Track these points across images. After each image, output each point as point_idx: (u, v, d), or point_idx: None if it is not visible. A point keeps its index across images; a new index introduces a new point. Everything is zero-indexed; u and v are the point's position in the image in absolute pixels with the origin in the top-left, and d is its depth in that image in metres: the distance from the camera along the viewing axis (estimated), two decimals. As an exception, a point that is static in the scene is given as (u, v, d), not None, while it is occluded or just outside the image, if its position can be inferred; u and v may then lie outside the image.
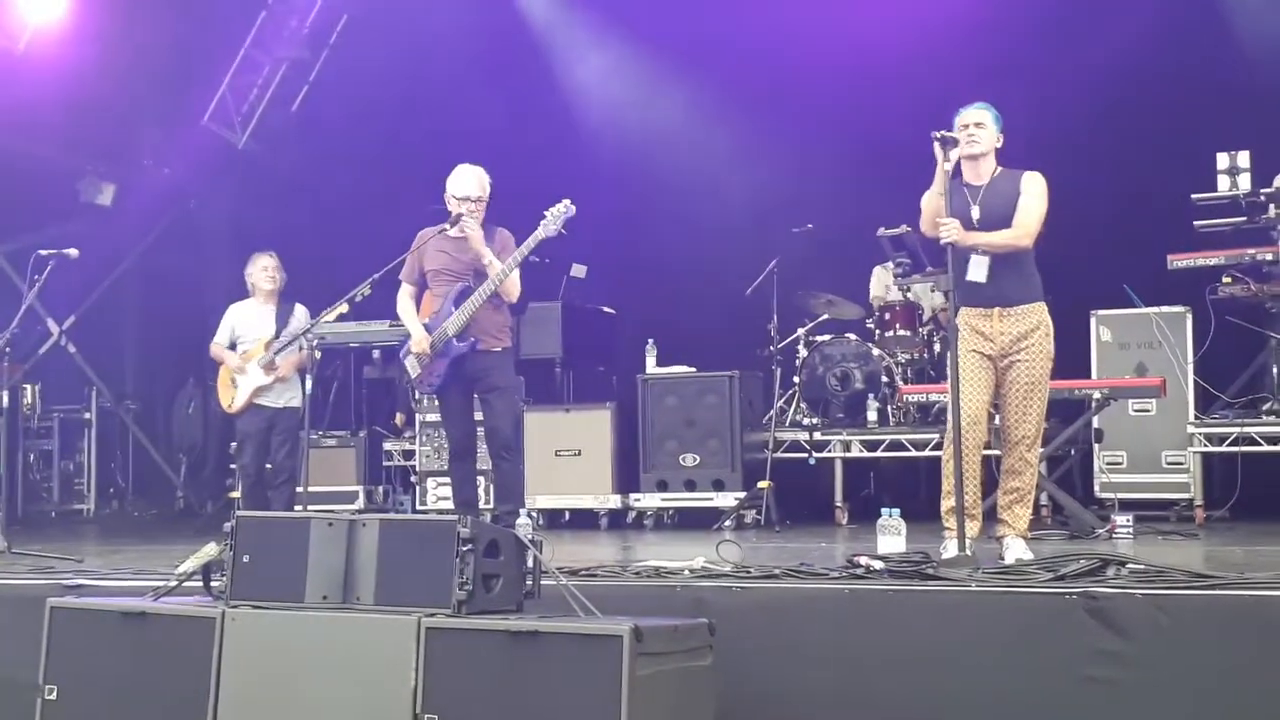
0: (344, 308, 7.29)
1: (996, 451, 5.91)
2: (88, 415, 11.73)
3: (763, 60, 10.23)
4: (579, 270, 9.93)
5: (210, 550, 4.67)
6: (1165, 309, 8.35)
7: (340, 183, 11.32)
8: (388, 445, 10.19)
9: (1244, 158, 8.15)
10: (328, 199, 11.34)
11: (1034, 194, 5.64)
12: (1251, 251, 8.08)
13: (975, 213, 5.61)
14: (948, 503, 5.57)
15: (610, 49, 10.89)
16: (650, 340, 9.42)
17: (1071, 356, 8.33)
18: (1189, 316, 8.29)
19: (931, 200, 5.64)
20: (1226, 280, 8.09)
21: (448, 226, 6.92)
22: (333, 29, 11.73)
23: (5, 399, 8.34)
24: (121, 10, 10.36)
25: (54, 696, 4.62)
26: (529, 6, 11.13)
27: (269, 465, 8.07)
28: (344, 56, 11.72)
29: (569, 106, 10.75)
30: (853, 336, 9.36)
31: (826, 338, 9.40)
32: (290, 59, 11.71)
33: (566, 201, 6.80)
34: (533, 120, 10.74)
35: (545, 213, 6.80)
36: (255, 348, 8.06)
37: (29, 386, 11.39)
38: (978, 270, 5.56)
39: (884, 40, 9.77)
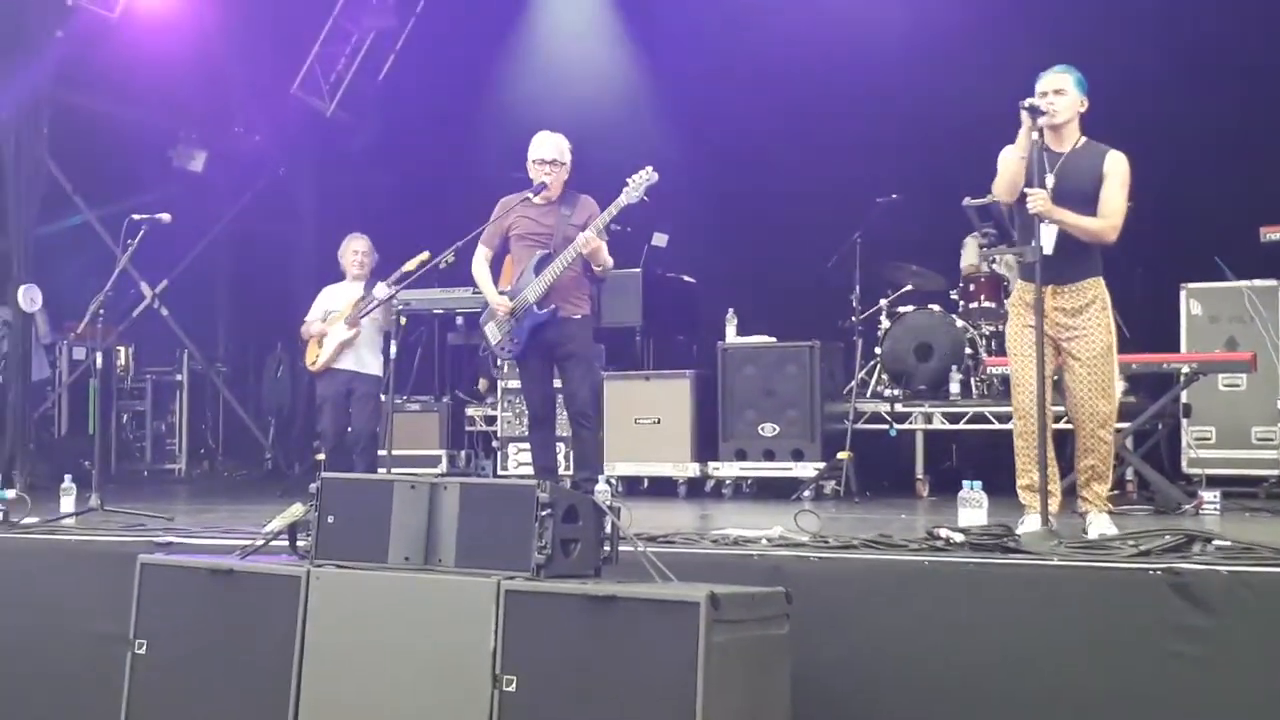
0: (425, 255, 7.39)
1: (1069, 425, 5.82)
2: (179, 377, 11.96)
3: (843, 29, 10.13)
4: (660, 239, 9.92)
5: (296, 511, 4.76)
6: (1257, 282, 8.18)
7: (425, 151, 11.41)
8: (470, 411, 10.29)
9: (1340, 127, 7.96)
10: (413, 168, 11.44)
11: (1118, 182, 5.47)
12: (1346, 223, 7.90)
13: (1051, 181, 5.44)
14: (1024, 479, 5.52)
15: (695, 17, 10.83)
16: (731, 309, 9.40)
17: (1161, 330, 8.25)
18: (1280, 290, 8.13)
19: (1012, 163, 5.51)
20: (1318, 253, 7.92)
21: (530, 194, 6.96)
22: (419, -1, 11.81)
23: (100, 360, 8.56)
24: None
25: (143, 651, 4.73)
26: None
27: (349, 429, 8.18)
28: (430, 25, 11.78)
29: (652, 74, 10.72)
30: (936, 308, 9.27)
31: (909, 309, 9.32)
32: (377, 28, 11.80)
33: (649, 168, 6.81)
34: (616, 88, 10.74)
35: (628, 180, 6.81)
36: (343, 310, 8.17)
37: (123, 349, 11.65)
38: (1046, 240, 5.43)
39: (967, 6, 9.65)
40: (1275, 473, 8.00)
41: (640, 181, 6.78)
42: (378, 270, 8.31)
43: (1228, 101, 8.89)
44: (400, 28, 11.90)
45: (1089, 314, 5.51)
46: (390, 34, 11.89)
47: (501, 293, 7.06)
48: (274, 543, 4.85)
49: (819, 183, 10.24)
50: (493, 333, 7.12)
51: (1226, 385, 8.13)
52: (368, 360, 8.15)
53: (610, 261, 6.95)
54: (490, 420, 9.98)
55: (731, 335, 9.27)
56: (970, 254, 9.49)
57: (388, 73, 12.07)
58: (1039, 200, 5.36)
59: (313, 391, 8.92)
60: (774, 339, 9.11)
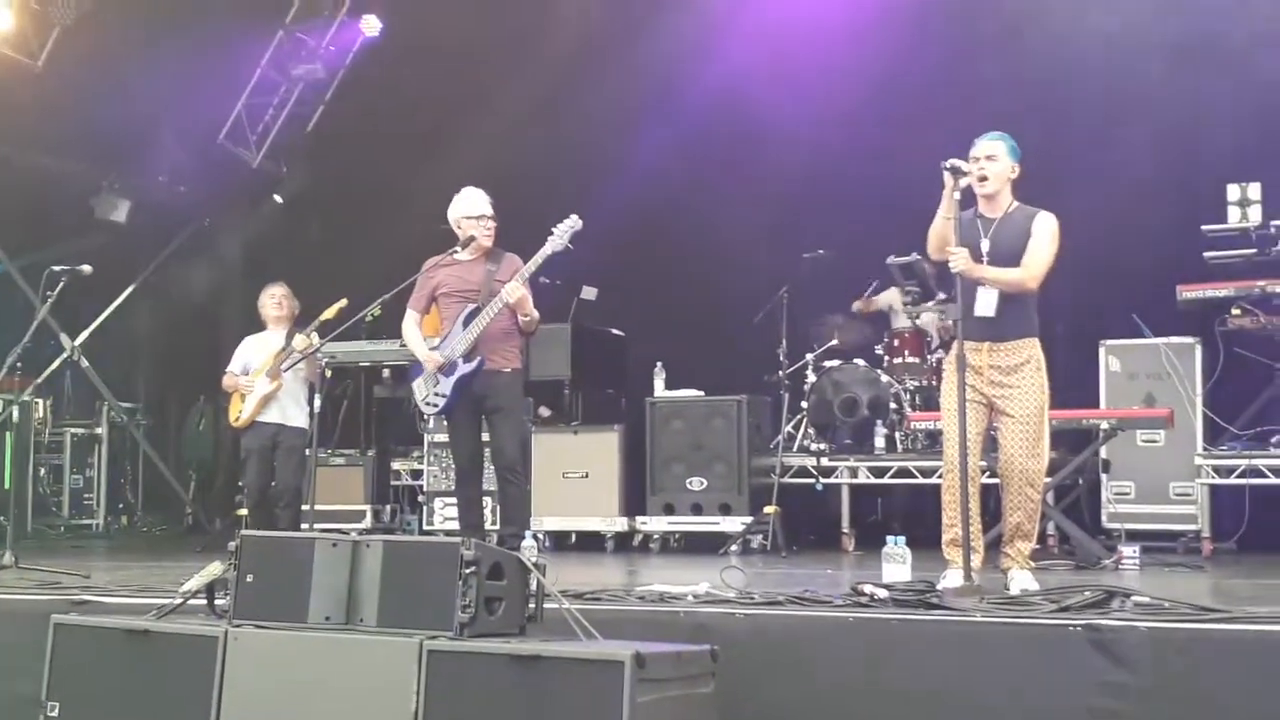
0: (343, 302, 7.38)
1: (996, 480, 5.89)
2: (99, 430, 11.76)
3: (775, 89, 10.25)
4: (589, 292, 9.95)
5: (214, 569, 4.68)
6: (1174, 340, 8.35)
7: (352, 202, 11.38)
8: (396, 465, 10.20)
9: (1255, 189, 8.17)
10: (340, 218, 11.40)
11: (1044, 237, 5.60)
12: (1262, 284, 8.09)
13: (985, 245, 5.59)
14: (949, 534, 5.57)
15: (619, 73, 10.91)
16: (659, 363, 9.44)
17: (1080, 386, 8.37)
18: (1198, 348, 8.29)
19: (938, 226, 5.63)
20: (1236, 312, 8.10)
21: (457, 249, 6.97)
22: (349, 50, 11.80)
23: (16, 413, 8.40)
24: (139, 27, 10.42)
25: (55, 714, 4.63)
26: (544, 26, 11.15)
27: (274, 484, 8.08)
28: (360, 77, 11.79)
29: (580, 128, 10.76)
30: (861, 363, 9.37)
31: (835, 364, 9.41)
32: (306, 79, 11.78)
33: (574, 216, 6.84)
34: (545, 143, 10.77)
35: (553, 228, 6.84)
36: (265, 362, 8.09)
37: (40, 401, 11.43)
38: (985, 304, 5.55)
39: (894, 67, 9.81)
40: (1193, 528, 8.13)
41: (565, 229, 6.82)
42: (299, 319, 8.25)
43: (1147, 161, 9.09)
44: (329, 79, 11.89)
45: (1024, 373, 5.59)
46: (319, 85, 11.88)
47: (431, 348, 7.04)
48: (192, 602, 4.77)
49: (746, 237, 10.32)
50: (420, 389, 7.08)
51: (1145, 441, 8.26)
52: (292, 413, 8.06)
53: (536, 313, 6.96)
54: (416, 474, 9.90)
55: (660, 389, 9.30)
56: (886, 297, 9.63)
57: (315, 123, 12.04)
58: (959, 259, 5.46)
59: (235, 445, 8.82)
60: (702, 393, 9.15)
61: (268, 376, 8.00)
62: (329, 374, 8.18)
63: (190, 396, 12.03)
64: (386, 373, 10.26)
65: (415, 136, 11.11)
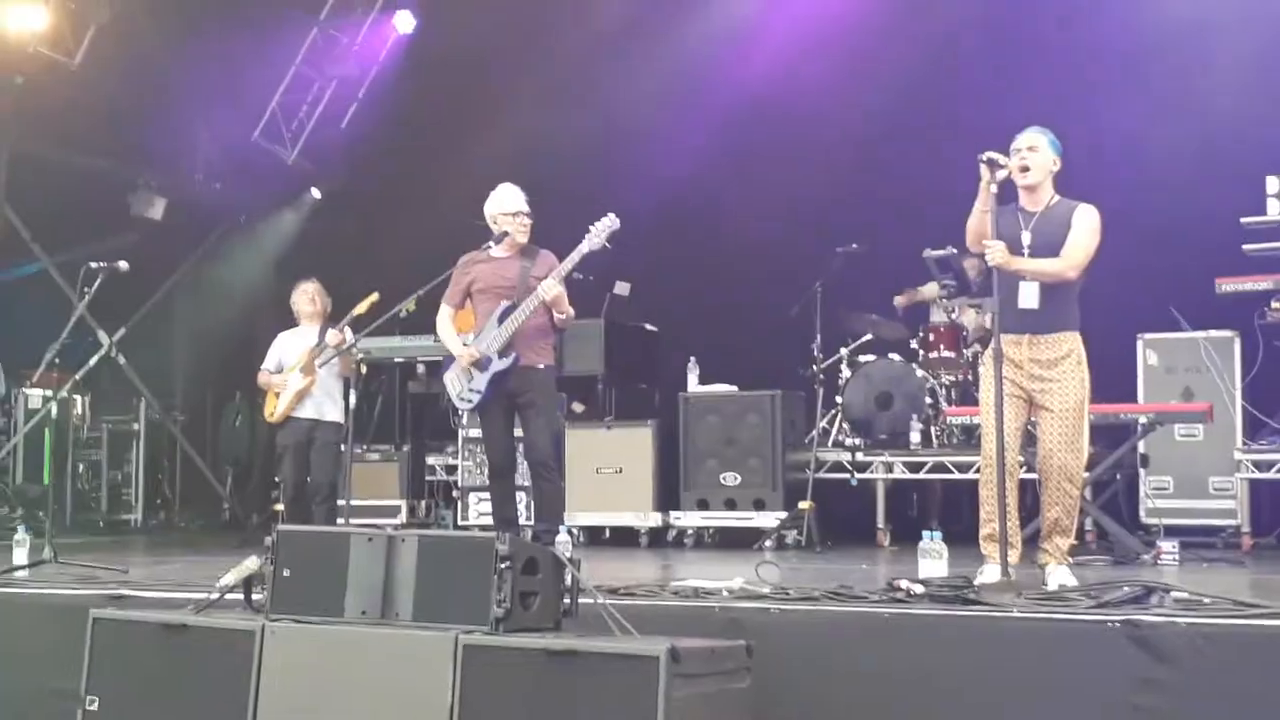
0: (374, 296, 7.40)
1: (1034, 475, 5.85)
2: (136, 426, 11.83)
3: (809, 82, 10.21)
4: (622, 288, 9.93)
5: (251, 564, 4.70)
6: (1213, 333, 8.27)
7: (387, 199, 11.41)
8: (430, 460, 10.23)
9: (1294, 182, 8.07)
10: (373, 214, 11.43)
11: (1085, 228, 5.56)
12: (1302, 276, 8.00)
13: (1026, 238, 5.56)
14: (986, 529, 5.53)
15: (652, 67, 10.89)
16: (692, 358, 9.42)
17: (1118, 380, 8.29)
18: (1237, 341, 8.21)
19: (975, 219, 5.60)
20: (1276, 305, 8.01)
21: (492, 245, 6.98)
22: (383, 47, 11.84)
23: (55, 409, 8.46)
24: (174, 25, 10.49)
25: (95, 707, 4.65)
26: (576, 19, 11.16)
27: (309, 479, 8.11)
28: (394, 73, 11.82)
29: (612, 124, 10.75)
30: (896, 357, 9.31)
31: (870, 358, 9.36)
32: (340, 76, 11.82)
33: (611, 215, 6.83)
34: (577, 138, 10.77)
35: (590, 227, 6.83)
36: (299, 359, 8.12)
37: (79, 397, 11.51)
38: (1029, 297, 5.50)
39: (932, 61, 9.76)
40: (1232, 523, 8.06)
41: (602, 229, 6.81)
42: (333, 315, 8.28)
43: (1184, 153, 9.01)
44: (362, 77, 11.92)
45: (1064, 367, 5.55)
46: (352, 82, 11.91)
47: (464, 343, 7.04)
48: (229, 596, 4.79)
49: (780, 231, 10.29)
50: (453, 382, 7.09)
51: (1183, 436, 8.19)
52: (327, 408, 8.09)
53: (571, 311, 6.96)
54: (451, 469, 9.93)
55: (693, 384, 9.28)
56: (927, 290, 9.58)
57: (350, 120, 12.07)
58: (996, 251, 5.43)
59: (271, 440, 8.86)
60: (735, 388, 9.13)
61: (302, 372, 8.04)
62: (363, 369, 8.19)
63: (226, 392, 12.09)
64: (421, 368, 10.30)
65: (448, 132, 11.13)
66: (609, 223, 6.82)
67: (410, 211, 11.15)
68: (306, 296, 8.31)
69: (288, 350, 8.26)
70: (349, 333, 7.92)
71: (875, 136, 10.04)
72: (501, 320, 6.87)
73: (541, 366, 6.95)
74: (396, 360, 10.18)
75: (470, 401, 7.06)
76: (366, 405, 10.00)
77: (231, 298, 11.88)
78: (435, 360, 9.86)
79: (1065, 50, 9.29)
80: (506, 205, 7.00)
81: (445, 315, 7.15)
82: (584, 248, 6.81)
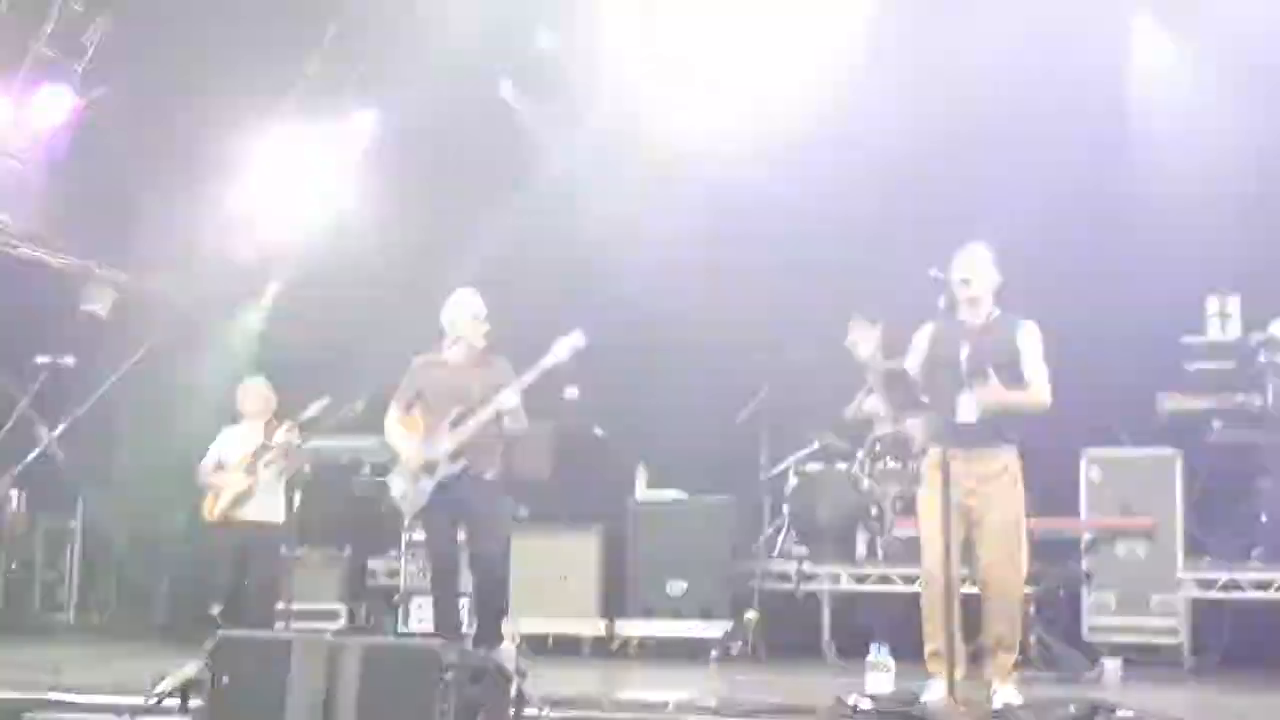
0: (325, 400, 7.35)
1: (976, 590, 5.86)
2: (73, 524, 11.61)
3: (758, 187, 10.35)
4: (571, 392, 9.93)
5: (189, 670, 4.61)
6: (1155, 450, 8.35)
7: (338, 300, 11.38)
8: (372, 563, 10.10)
9: (1234, 303, 8.24)
10: (325, 315, 11.39)
11: (1038, 351, 5.68)
12: (1241, 396, 8.13)
13: (966, 351, 5.63)
14: (930, 645, 5.52)
15: (605, 174, 11.01)
16: (641, 463, 9.40)
17: (1062, 495, 8.36)
18: (1179, 459, 8.29)
19: (923, 344, 5.70)
20: (1217, 424, 8.12)
21: (448, 349, 6.96)
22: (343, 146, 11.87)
23: (-10, 505, 8.31)
24: (126, 119, 10.47)
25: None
26: (522, 130, 11.30)
27: (247, 581, 7.98)
28: (352, 173, 11.84)
29: (563, 227, 10.84)
30: (844, 467, 9.34)
31: (818, 467, 9.38)
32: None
33: (578, 332, 6.84)
34: (529, 245, 10.83)
35: (555, 341, 6.83)
36: (241, 459, 8.04)
37: (15, 492, 11.29)
38: (967, 411, 5.56)
39: (879, 178, 9.93)
40: (1175, 641, 8.08)
41: (567, 344, 6.83)
42: (278, 413, 8.22)
43: (1132, 271, 9.18)
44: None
45: (1001, 482, 5.60)
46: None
47: (413, 446, 6.99)
48: (165, 702, 4.68)
49: (731, 338, 10.35)
50: (399, 485, 7.03)
51: (1126, 552, 8.23)
52: (268, 510, 8.01)
53: (526, 422, 6.94)
54: (393, 573, 9.80)
55: (641, 490, 9.27)
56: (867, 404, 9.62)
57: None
58: (990, 392, 5.46)
59: (211, 540, 8.71)
60: (684, 494, 9.12)
61: (244, 472, 7.96)
62: (307, 469, 8.12)
63: (167, 490, 11.90)
64: (366, 469, 10.19)
65: (405, 234, 11.16)
66: (575, 340, 6.83)
67: (364, 310, 11.12)
68: (253, 394, 8.26)
69: (230, 448, 8.18)
70: (295, 433, 7.86)
71: (823, 247, 10.16)
72: (454, 426, 6.84)
73: (489, 476, 6.91)
74: (342, 460, 10.08)
75: (416, 505, 7.00)
76: (308, 506, 9.87)
77: (177, 393, 11.74)
78: (381, 461, 9.78)
79: (1014, 166, 9.48)
80: (464, 311, 6.99)
81: (394, 416, 7.10)
82: (547, 362, 6.82)
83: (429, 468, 6.85)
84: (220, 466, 8.15)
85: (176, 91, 10.23)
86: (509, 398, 6.73)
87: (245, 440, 8.16)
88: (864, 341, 9.26)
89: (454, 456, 6.81)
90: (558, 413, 9.78)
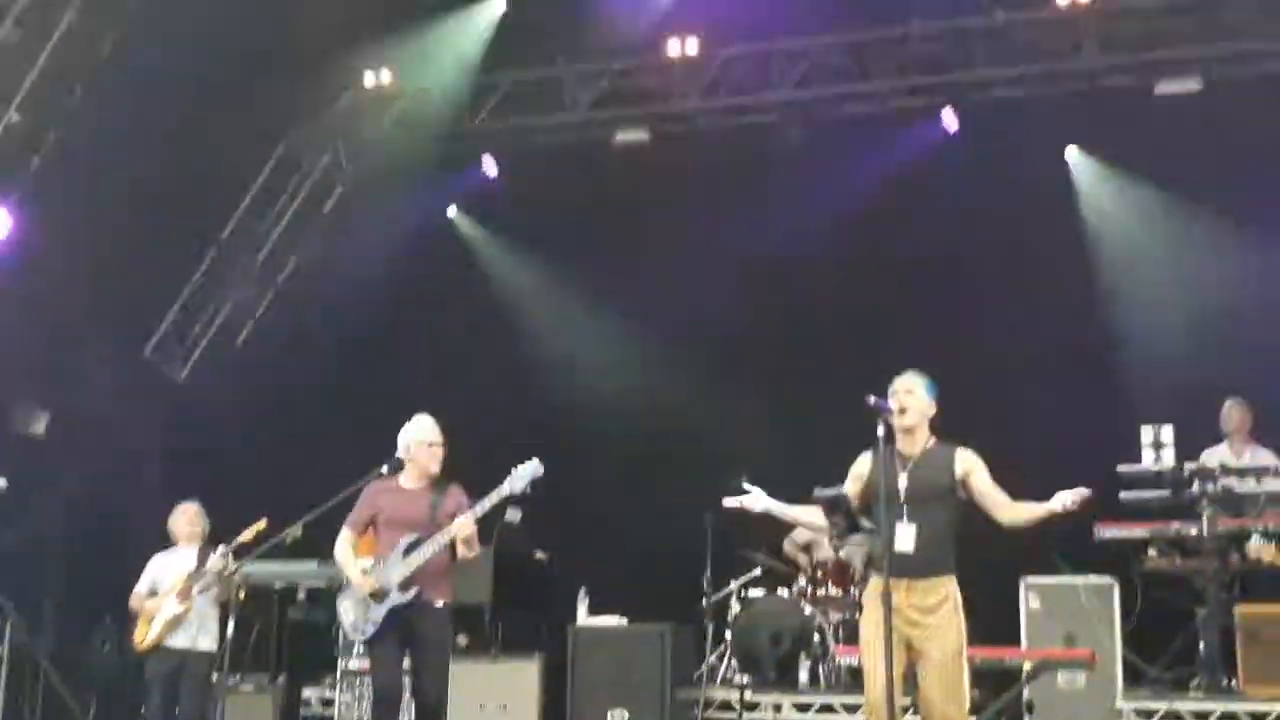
0: (261, 525, 7.26)
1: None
2: (1, 648, 11.30)
3: (703, 311, 10.47)
4: (513, 515, 9.87)
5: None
6: (1094, 579, 8.38)
7: (278, 423, 11.32)
8: (307, 692, 9.88)
9: (1167, 432, 8.35)
10: (263, 436, 11.31)
11: (985, 473, 5.72)
12: (1176, 525, 8.20)
13: (903, 481, 5.67)
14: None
15: (551, 295, 11.11)
16: (583, 588, 9.33)
17: (1002, 624, 8.36)
18: (1116, 588, 8.32)
19: (862, 472, 5.74)
20: (1152, 553, 8.19)
21: (401, 474, 6.95)
22: (281, 269, 11.92)
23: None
24: (63, 239, 10.44)
25: None
26: (468, 254, 11.42)
27: (178, 711, 7.79)
28: (291, 296, 11.88)
29: (511, 356, 10.89)
30: (786, 594, 9.31)
31: (760, 593, 9.35)
32: (237, 297, 11.84)
33: (535, 461, 6.80)
34: (470, 367, 10.86)
35: (513, 469, 6.81)
36: (174, 584, 7.89)
37: (-61, 617, 11.00)
38: (904, 539, 5.59)
39: (821, 297, 10.08)
40: (1118, 770, 8.05)
41: (525, 474, 6.78)
42: (212, 537, 8.10)
43: (1067, 401, 9.31)
44: (260, 297, 11.95)
45: (941, 613, 5.59)
46: (249, 303, 11.93)
47: (364, 571, 6.92)
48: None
49: (673, 463, 10.38)
50: (349, 611, 6.93)
51: (1066, 682, 8.21)
52: (201, 638, 7.84)
53: (479, 549, 6.90)
54: (328, 703, 9.59)
55: (583, 615, 9.18)
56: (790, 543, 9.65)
57: (244, 341, 12.04)
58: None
59: (140, 668, 8.51)
60: (625, 620, 9.04)
61: (177, 598, 7.81)
62: (242, 595, 7.98)
63: (96, 617, 11.64)
64: (302, 595, 10.04)
65: (344, 353, 11.15)
66: (533, 468, 6.78)
67: (301, 432, 11.06)
68: (186, 518, 8.15)
69: (163, 573, 8.04)
70: (230, 558, 7.73)
71: (767, 372, 10.26)
72: (406, 553, 6.77)
73: (439, 604, 6.84)
74: (277, 586, 9.93)
75: (364, 633, 6.89)
76: (242, 633, 9.67)
77: (109, 516, 11.55)
78: (318, 587, 9.65)
79: (944, 297, 9.67)
80: (421, 435, 6.97)
81: (346, 540, 7.01)
82: (505, 489, 6.77)
83: (380, 595, 6.76)
84: (153, 592, 7.99)
85: (112, 217, 10.25)
86: (463, 526, 6.68)
87: (179, 565, 8.01)
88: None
89: (405, 585, 6.74)
90: (499, 535, 9.73)
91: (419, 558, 6.73)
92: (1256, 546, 7.61)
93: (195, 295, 11.77)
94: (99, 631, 11.56)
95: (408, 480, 6.95)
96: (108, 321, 11.26)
